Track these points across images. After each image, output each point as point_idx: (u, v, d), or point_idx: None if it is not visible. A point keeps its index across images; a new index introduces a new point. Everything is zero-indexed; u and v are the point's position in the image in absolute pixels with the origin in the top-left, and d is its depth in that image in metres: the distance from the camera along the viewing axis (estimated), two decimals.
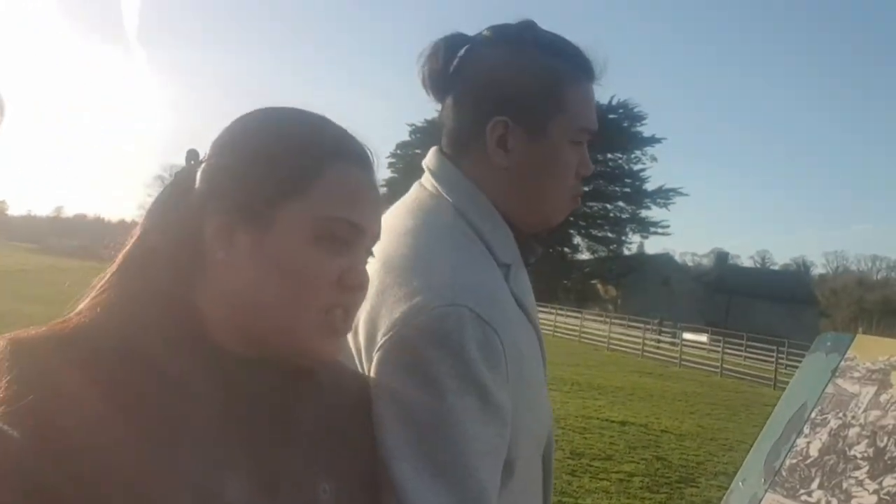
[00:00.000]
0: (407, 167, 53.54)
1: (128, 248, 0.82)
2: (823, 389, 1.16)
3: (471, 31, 1.16)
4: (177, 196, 0.82)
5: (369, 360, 0.99)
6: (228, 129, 0.84)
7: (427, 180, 1.17)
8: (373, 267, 1.05)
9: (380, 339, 0.98)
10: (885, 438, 1.04)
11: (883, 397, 1.09)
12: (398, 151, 57.70)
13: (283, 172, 0.80)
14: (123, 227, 0.87)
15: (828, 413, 1.13)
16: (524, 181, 1.13)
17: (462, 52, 1.14)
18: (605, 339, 29.71)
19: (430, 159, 1.19)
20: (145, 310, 0.77)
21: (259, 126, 0.84)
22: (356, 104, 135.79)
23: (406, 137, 56.41)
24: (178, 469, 0.71)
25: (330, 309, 0.81)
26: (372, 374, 0.98)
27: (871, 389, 1.11)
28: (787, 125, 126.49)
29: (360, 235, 0.83)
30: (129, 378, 0.72)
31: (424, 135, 51.06)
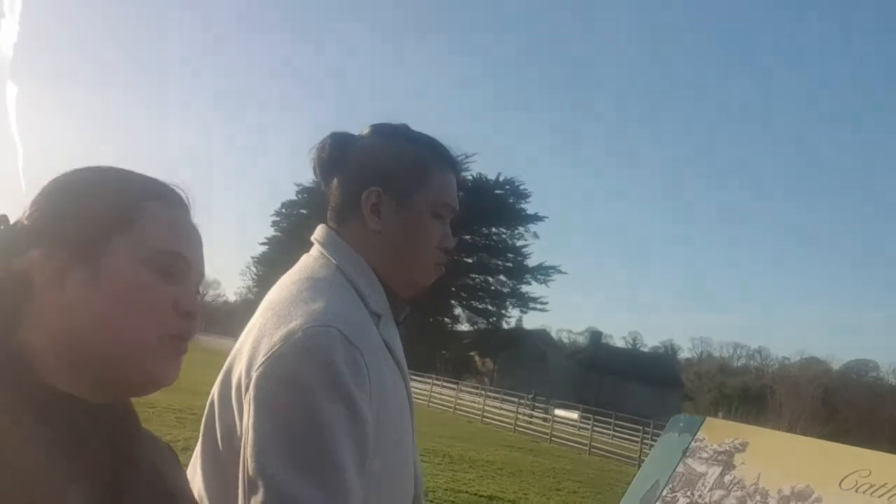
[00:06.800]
0: (291, 226, 52.84)
1: None
2: (675, 468, 1.22)
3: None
4: None
5: (248, 381, 1.09)
6: (49, 184, 0.86)
7: (315, 249, 1.32)
8: (257, 311, 1.21)
9: (260, 359, 1.09)
10: None
11: (727, 478, 1.15)
12: (283, 210, 57.06)
13: (107, 212, 0.83)
14: None
15: (678, 491, 1.18)
16: (393, 245, 1.29)
17: (346, 145, 1.33)
18: (480, 412, 29.78)
19: (317, 232, 1.34)
20: None
21: (78, 178, 0.87)
22: (242, 160, 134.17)
23: (293, 197, 55.84)
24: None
25: (170, 337, 0.83)
26: (251, 389, 1.07)
27: (717, 470, 1.17)
28: (658, 214, 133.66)
29: (188, 268, 0.86)
30: None
31: (311, 195, 50.58)
